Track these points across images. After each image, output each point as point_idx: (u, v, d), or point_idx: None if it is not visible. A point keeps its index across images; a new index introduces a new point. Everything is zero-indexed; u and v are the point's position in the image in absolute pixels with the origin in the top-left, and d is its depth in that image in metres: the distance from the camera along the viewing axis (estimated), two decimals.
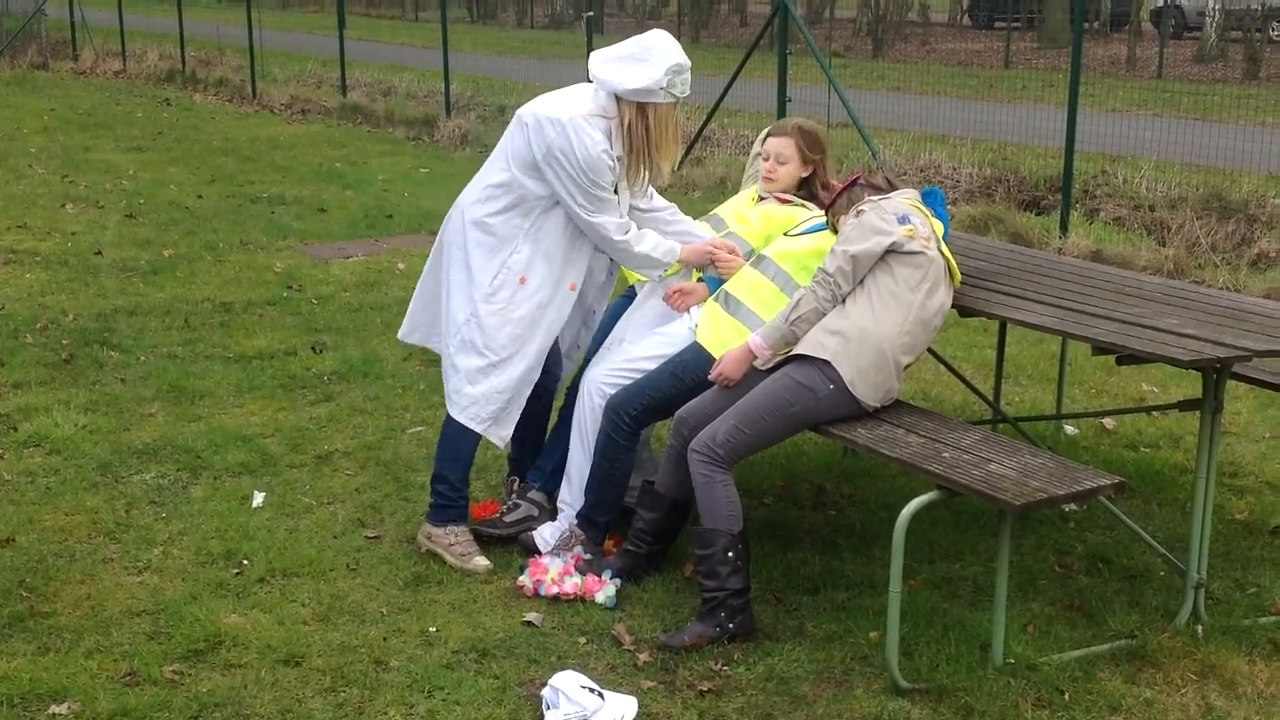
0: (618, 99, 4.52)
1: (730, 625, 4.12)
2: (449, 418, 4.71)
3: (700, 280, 4.85)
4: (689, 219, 4.99)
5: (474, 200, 4.70)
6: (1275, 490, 5.45)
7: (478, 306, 4.59)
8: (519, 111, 4.65)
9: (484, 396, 4.64)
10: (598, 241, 4.65)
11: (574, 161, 4.45)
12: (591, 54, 4.59)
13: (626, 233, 4.62)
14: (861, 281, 4.31)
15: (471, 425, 4.66)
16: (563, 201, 4.54)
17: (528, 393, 4.72)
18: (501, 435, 4.73)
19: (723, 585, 4.12)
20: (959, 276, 4.54)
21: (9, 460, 5.57)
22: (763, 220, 4.91)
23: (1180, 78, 21.75)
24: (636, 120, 4.51)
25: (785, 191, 4.95)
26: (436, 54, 16.88)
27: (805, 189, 4.96)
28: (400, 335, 5.01)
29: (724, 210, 5.11)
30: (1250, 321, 4.35)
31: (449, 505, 4.69)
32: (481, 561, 4.61)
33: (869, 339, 4.23)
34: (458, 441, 4.71)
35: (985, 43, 29.61)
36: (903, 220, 4.33)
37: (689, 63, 4.55)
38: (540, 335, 4.67)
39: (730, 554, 4.13)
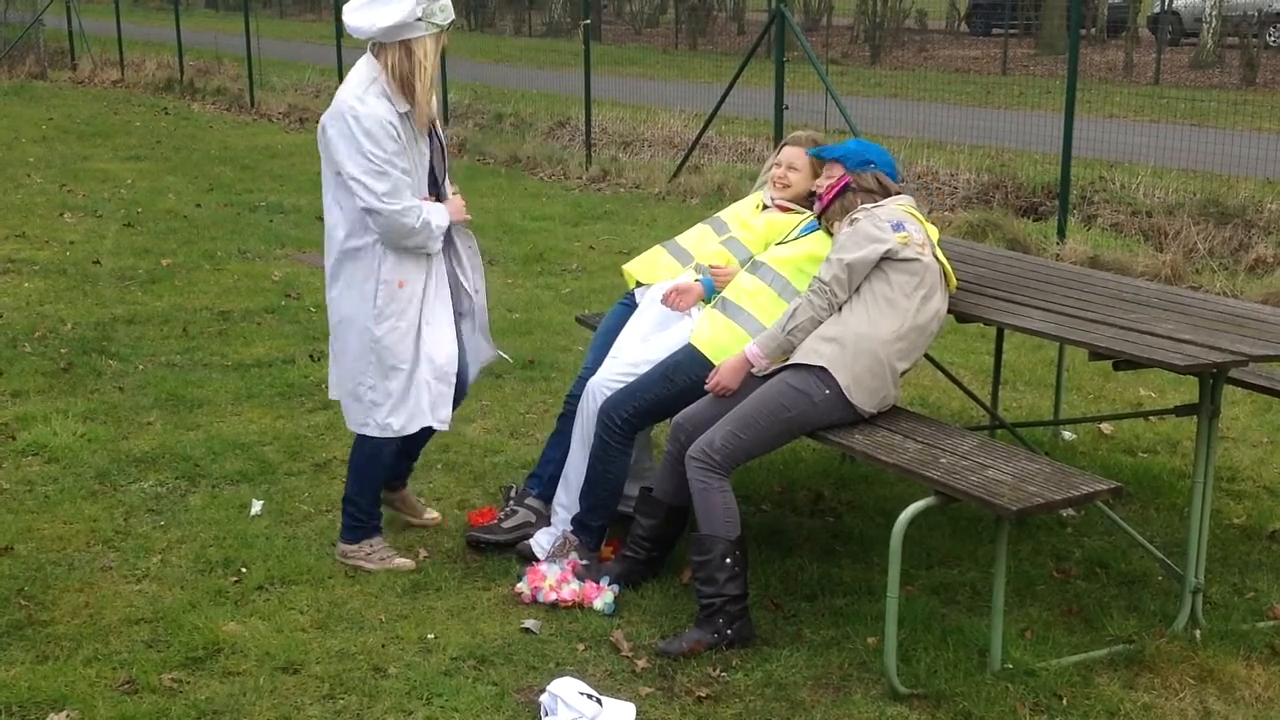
0: (382, 47, 4.34)
1: (728, 631, 4.12)
2: (359, 441, 4.68)
3: (697, 281, 4.86)
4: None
5: (340, 235, 4.51)
6: (1273, 495, 5.45)
7: (373, 331, 4.48)
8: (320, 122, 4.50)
9: (410, 392, 4.55)
10: (379, 222, 4.37)
11: (354, 131, 4.28)
12: (345, 10, 4.37)
13: (406, 206, 4.37)
14: (857, 289, 4.31)
15: (414, 424, 4.58)
16: (353, 186, 4.34)
17: (454, 371, 4.62)
18: (441, 418, 4.65)
19: (720, 591, 4.12)
20: (955, 282, 4.54)
21: (7, 469, 5.57)
22: (766, 227, 4.92)
23: (1177, 84, 21.79)
24: (401, 58, 4.32)
25: (795, 200, 4.96)
26: None
27: (810, 198, 4.96)
28: (331, 395, 4.85)
29: (727, 214, 5.12)
30: (1247, 327, 4.35)
31: (360, 525, 4.70)
32: (402, 561, 4.67)
33: (865, 345, 4.23)
34: (367, 467, 4.69)
35: (982, 49, 29.64)
36: (897, 227, 4.33)
37: None
38: (439, 316, 4.57)
39: (728, 560, 4.14)
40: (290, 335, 7.61)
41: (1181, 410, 4.92)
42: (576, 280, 9.07)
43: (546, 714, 3.71)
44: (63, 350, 7.23)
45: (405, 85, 4.34)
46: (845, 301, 4.32)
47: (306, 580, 4.57)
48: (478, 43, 32.60)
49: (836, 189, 4.57)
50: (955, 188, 11.73)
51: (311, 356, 7.16)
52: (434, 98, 4.50)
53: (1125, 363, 4.15)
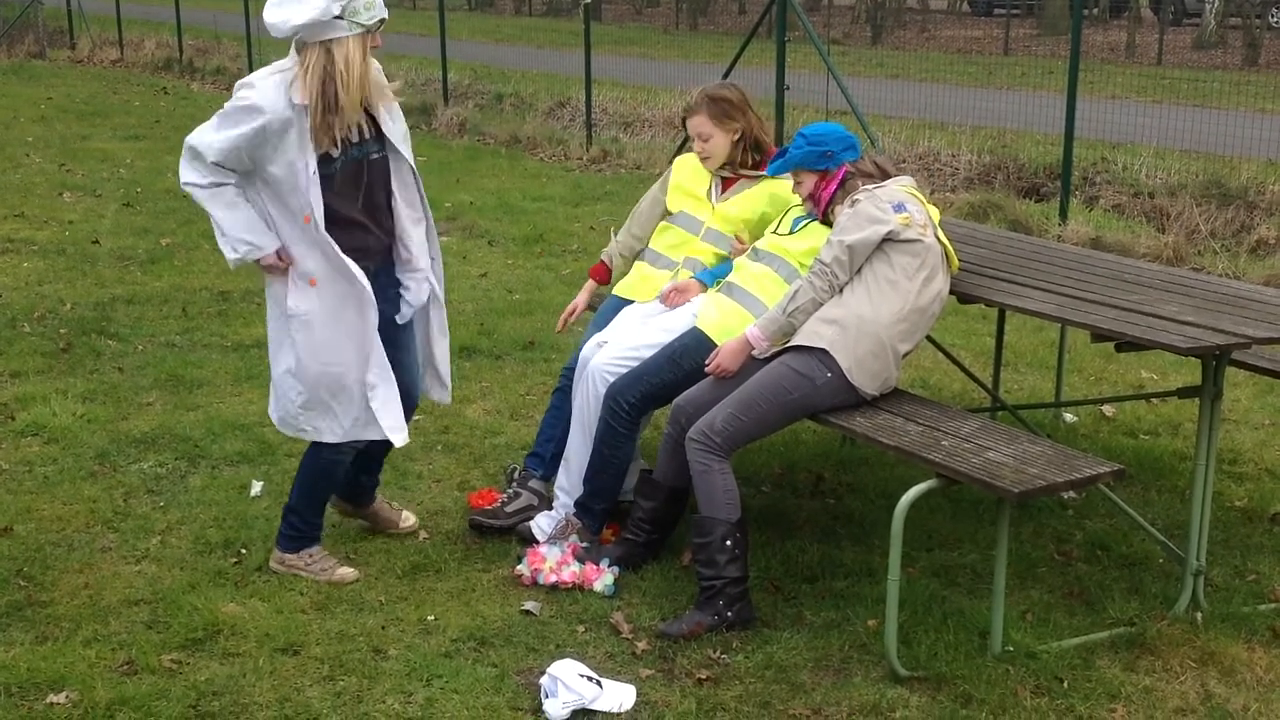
0: (304, 47, 4.03)
1: (728, 614, 4.11)
2: (312, 451, 4.42)
3: (693, 278, 4.84)
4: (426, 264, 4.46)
5: None
6: (1274, 477, 5.44)
7: (294, 341, 4.24)
8: None
9: (356, 403, 4.31)
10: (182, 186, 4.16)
11: (227, 105, 4.07)
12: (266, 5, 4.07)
13: (210, 183, 4.10)
14: (859, 270, 4.30)
15: (372, 435, 4.35)
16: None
17: (392, 376, 4.33)
18: (400, 436, 4.41)
19: (720, 574, 4.12)
20: (956, 263, 4.52)
21: (6, 449, 5.56)
22: (738, 205, 4.89)
23: (1180, 64, 21.71)
24: (321, 60, 4.00)
25: (725, 164, 4.91)
26: (434, 42, 16.84)
27: (746, 152, 4.91)
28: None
29: (685, 207, 4.99)
30: (1249, 308, 4.34)
31: (300, 535, 4.49)
32: (346, 571, 4.45)
33: (866, 327, 4.22)
34: (319, 482, 4.48)
35: (984, 30, 29.55)
36: (898, 208, 4.31)
37: None
38: (364, 321, 4.25)
39: (728, 542, 4.13)
40: None
41: (1183, 392, 4.91)
42: (577, 261, 9.04)
43: (546, 696, 3.70)
44: (62, 330, 7.22)
45: (324, 90, 4.01)
46: (846, 283, 4.30)
47: None
48: (478, 22, 32.52)
49: (836, 182, 4.53)
50: (957, 169, 11.69)
51: None
52: (370, 105, 4.20)
53: (1127, 344, 4.13)
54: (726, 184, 4.98)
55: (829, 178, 4.54)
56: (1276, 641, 4.09)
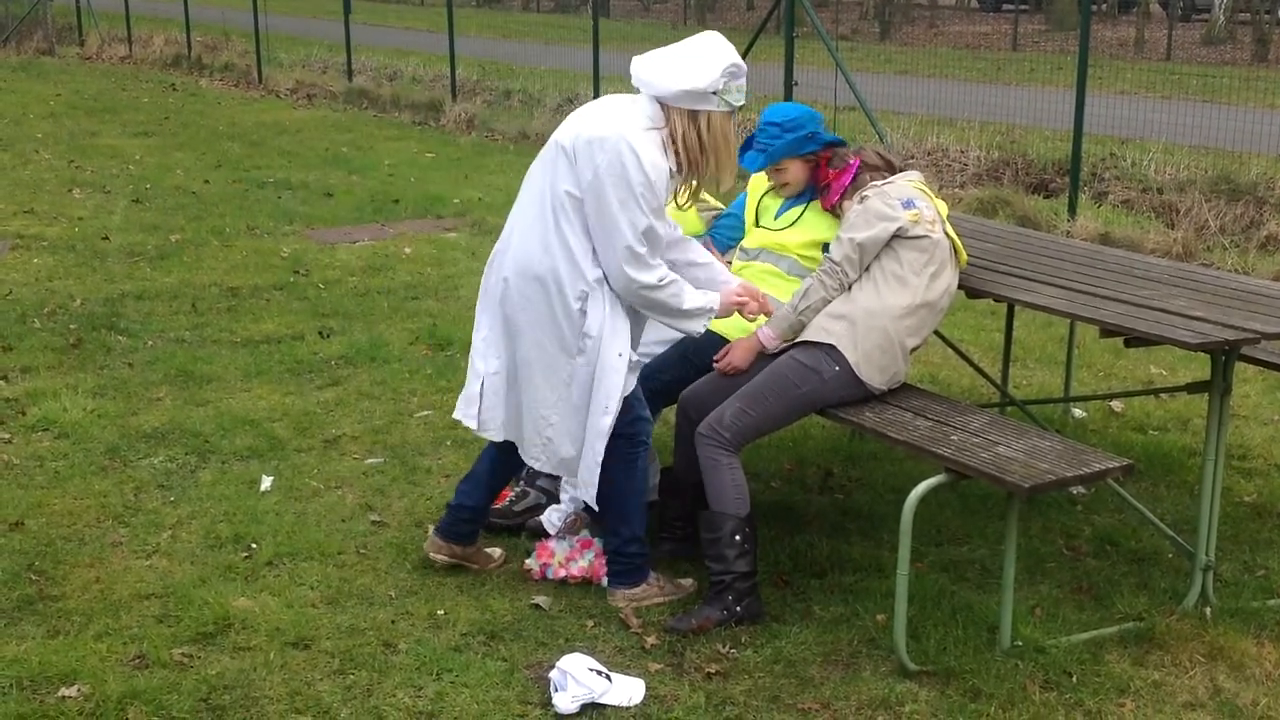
0: (665, 107, 4.04)
1: (737, 608, 4.12)
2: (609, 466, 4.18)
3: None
4: (714, 260, 4.44)
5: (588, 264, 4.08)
6: None
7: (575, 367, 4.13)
8: (557, 138, 4.13)
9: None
10: (631, 293, 4.06)
11: (629, 181, 3.94)
12: (635, 58, 4.11)
13: (665, 281, 4.07)
14: (867, 266, 4.30)
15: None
16: (614, 238, 3.98)
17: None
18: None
19: (729, 569, 4.12)
20: (965, 257, 4.53)
21: (17, 444, 5.58)
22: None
23: (1189, 60, 21.67)
24: (689, 129, 4.03)
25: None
26: (442, 38, 16.86)
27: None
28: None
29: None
30: (1259, 304, 4.33)
31: (645, 559, 4.31)
32: (685, 582, 4.36)
33: (875, 322, 4.22)
34: (633, 487, 4.28)
35: (993, 25, 29.51)
36: (908, 204, 4.31)
37: (745, 66, 4.09)
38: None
39: (737, 537, 4.13)
40: (299, 312, 7.61)
41: (1193, 388, 4.91)
42: None
43: (556, 690, 3.71)
44: (72, 326, 7.24)
45: (693, 166, 4.08)
46: (856, 280, 4.30)
47: (316, 556, 4.58)
48: (486, 18, 32.52)
49: (851, 175, 4.53)
50: (965, 164, 11.68)
51: (320, 333, 7.16)
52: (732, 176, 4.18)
53: (1136, 340, 4.13)
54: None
55: (843, 170, 4.54)
56: None
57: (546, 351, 4.12)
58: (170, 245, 9.25)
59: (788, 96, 11.32)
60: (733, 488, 4.16)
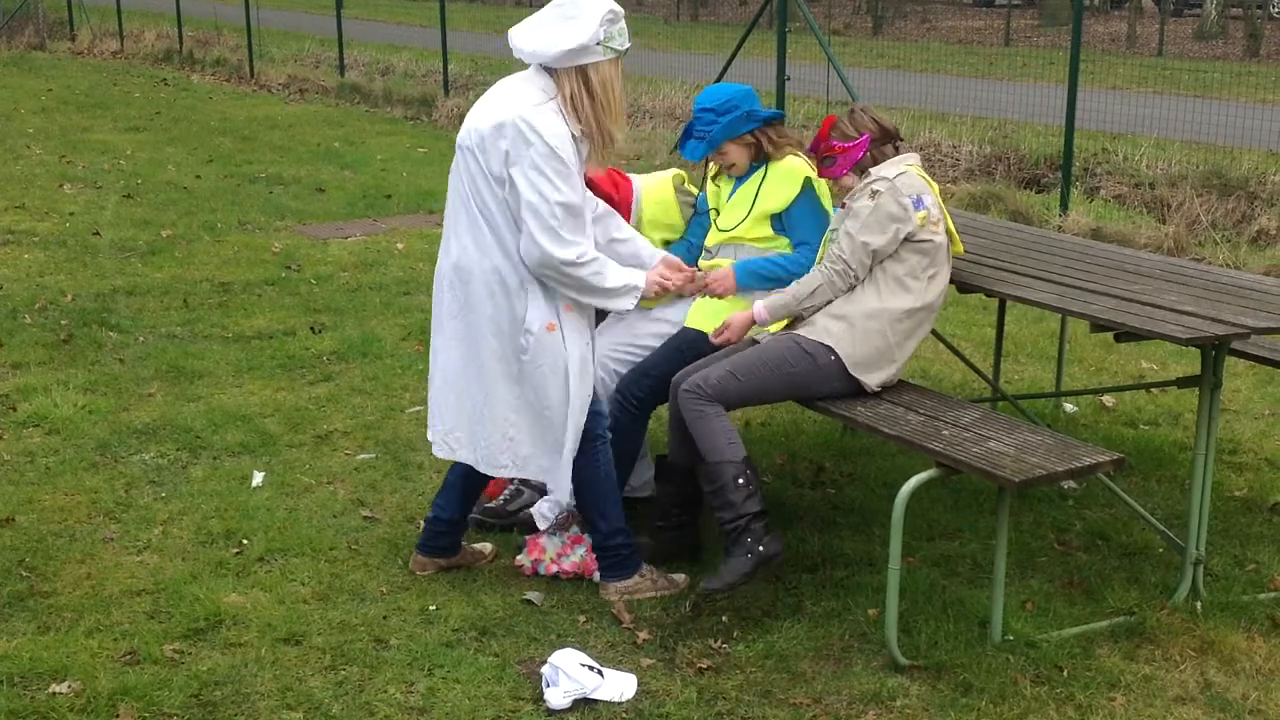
0: (553, 72, 4.03)
1: (759, 548, 4.04)
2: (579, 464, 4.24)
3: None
4: (636, 235, 4.49)
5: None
6: (1274, 467, 5.45)
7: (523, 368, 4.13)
8: (460, 141, 4.11)
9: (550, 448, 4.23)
10: (550, 269, 4.01)
11: (535, 157, 3.92)
12: (511, 31, 4.08)
13: (585, 258, 4.03)
14: (871, 272, 4.28)
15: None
16: (527, 215, 3.96)
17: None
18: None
19: (741, 512, 4.07)
20: (961, 247, 4.51)
21: (8, 440, 5.57)
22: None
23: (1181, 55, 21.69)
24: (580, 88, 4.00)
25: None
26: (435, 33, 16.83)
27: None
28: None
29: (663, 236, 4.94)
30: (1249, 298, 4.34)
31: (633, 551, 4.30)
32: (678, 576, 4.35)
33: (874, 325, 4.21)
34: (607, 484, 4.30)
35: (985, 21, 29.51)
36: (918, 204, 4.26)
37: (621, 10, 4.07)
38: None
39: (740, 480, 4.09)
40: (291, 307, 7.60)
41: (1183, 382, 4.92)
42: None
43: (548, 685, 3.71)
44: (63, 322, 7.22)
45: (587, 125, 4.01)
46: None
47: (308, 552, 4.57)
48: (478, 13, 32.43)
49: (863, 150, 4.40)
50: (958, 159, 11.68)
51: (312, 329, 7.15)
52: (623, 128, 4.15)
53: (1127, 335, 4.14)
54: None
55: (851, 145, 4.39)
56: (1276, 631, 4.10)
57: (499, 353, 4.12)
58: (161, 241, 9.23)
59: (780, 91, 11.32)
60: (723, 434, 4.13)
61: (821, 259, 4.40)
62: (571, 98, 4.00)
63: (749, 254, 4.59)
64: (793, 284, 4.37)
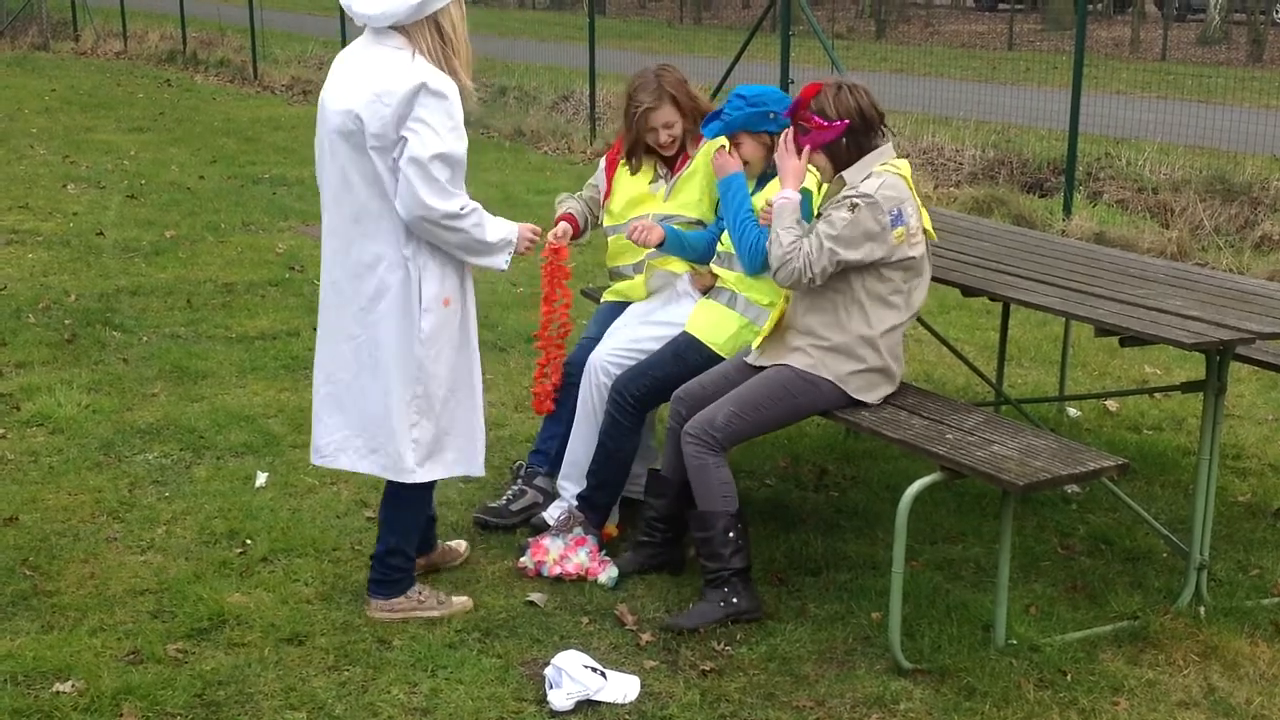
0: (405, 30, 3.85)
1: (734, 600, 4.11)
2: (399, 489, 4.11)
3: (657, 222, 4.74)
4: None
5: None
6: (1278, 472, 5.45)
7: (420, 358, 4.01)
8: (329, 131, 3.94)
9: (464, 433, 4.17)
10: (431, 222, 3.87)
11: (416, 110, 3.77)
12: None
13: (467, 210, 3.93)
14: (853, 291, 4.15)
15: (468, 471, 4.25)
16: (410, 169, 3.80)
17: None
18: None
19: (726, 565, 4.12)
20: (933, 234, 4.34)
21: (12, 440, 5.57)
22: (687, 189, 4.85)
23: (1184, 60, 21.69)
24: (434, 36, 3.85)
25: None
26: None
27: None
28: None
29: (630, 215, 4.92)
30: (1253, 303, 4.34)
31: (406, 574, 4.17)
32: (461, 600, 4.22)
33: (868, 348, 4.19)
34: (417, 512, 4.20)
35: (989, 24, 29.53)
36: (896, 220, 4.08)
37: None
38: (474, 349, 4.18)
39: (730, 534, 4.13)
40: (294, 308, 7.61)
41: (1187, 387, 4.92)
42: (581, 254, 9.03)
43: (551, 686, 3.71)
44: (67, 321, 7.23)
45: (442, 66, 3.87)
46: (842, 303, 4.17)
47: (311, 552, 4.58)
48: (481, 16, 32.45)
49: (835, 135, 4.21)
50: (961, 163, 11.69)
51: (316, 329, 7.13)
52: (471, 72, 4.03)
53: (1131, 339, 4.13)
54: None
55: (827, 126, 4.20)
56: (1279, 636, 4.09)
57: (395, 349, 3.98)
58: (165, 241, 9.24)
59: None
60: (720, 485, 4.16)
61: (804, 235, 4.15)
62: (429, 49, 3.86)
63: (731, 259, 4.57)
64: (787, 214, 4.16)
